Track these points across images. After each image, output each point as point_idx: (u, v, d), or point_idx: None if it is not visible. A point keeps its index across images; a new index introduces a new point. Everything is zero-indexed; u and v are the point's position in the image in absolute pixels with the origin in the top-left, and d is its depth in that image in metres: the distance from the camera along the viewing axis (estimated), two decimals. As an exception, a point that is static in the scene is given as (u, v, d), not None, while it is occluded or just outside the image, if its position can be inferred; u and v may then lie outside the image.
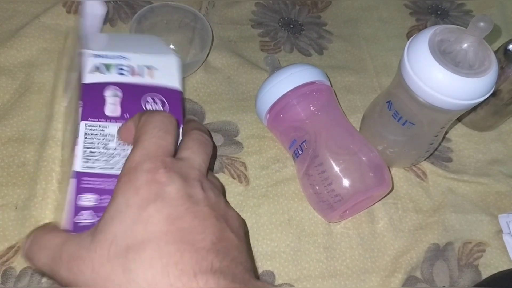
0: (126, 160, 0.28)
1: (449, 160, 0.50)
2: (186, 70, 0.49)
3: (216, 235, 0.26)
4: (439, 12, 0.63)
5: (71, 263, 0.25)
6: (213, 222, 0.26)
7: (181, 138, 0.33)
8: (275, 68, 0.48)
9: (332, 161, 0.40)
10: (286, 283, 0.41)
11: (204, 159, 0.30)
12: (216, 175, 0.45)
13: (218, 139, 0.47)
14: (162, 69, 0.36)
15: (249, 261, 0.28)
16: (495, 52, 0.38)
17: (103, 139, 0.32)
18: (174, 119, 0.30)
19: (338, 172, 0.40)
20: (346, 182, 0.40)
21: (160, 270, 0.23)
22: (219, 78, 0.51)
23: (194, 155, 0.29)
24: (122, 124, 0.32)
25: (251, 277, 0.26)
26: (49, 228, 0.29)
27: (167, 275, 0.23)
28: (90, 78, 0.33)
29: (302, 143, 0.43)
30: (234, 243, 0.27)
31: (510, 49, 0.46)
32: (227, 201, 0.30)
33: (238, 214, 0.30)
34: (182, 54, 0.50)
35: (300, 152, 0.43)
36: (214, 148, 0.39)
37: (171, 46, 0.52)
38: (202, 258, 0.24)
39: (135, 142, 0.28)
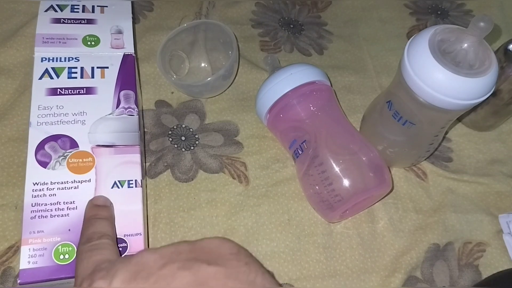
0: None
1: (449, 160, 0.50)
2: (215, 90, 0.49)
3: None
4: (439, 12, 0.63)
5: None
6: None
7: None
8: (275, 68, 0.48)
9: (332, 161, 0.40)
10: (286, 283, 0.41)
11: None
12: (216, 175, 0.45)
13: (218, 139, 0.47)
14: None
15: None
16: (495, 52, 0.38)
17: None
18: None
19: (338, 172, 0.40)
20: (346, 182, 0.40)
21: None
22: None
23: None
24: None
25: None
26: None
27: None
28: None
29: (302, 143, 0.42)
30: None
31: (510, 49, 0.46)
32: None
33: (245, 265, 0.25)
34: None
35: (300, 152, 0.43)
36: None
37: (204, 65, 0.52)
38: None
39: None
